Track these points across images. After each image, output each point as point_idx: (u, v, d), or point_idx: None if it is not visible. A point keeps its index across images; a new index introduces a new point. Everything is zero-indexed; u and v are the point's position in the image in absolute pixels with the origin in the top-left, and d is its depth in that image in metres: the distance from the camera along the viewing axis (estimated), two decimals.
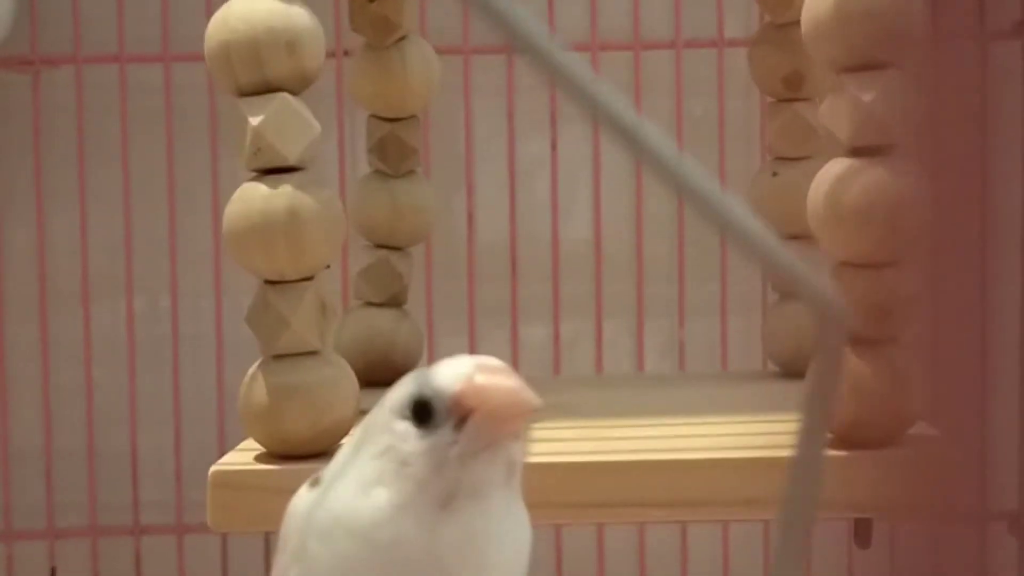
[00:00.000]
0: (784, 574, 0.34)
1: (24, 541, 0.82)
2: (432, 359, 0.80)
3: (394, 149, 0.69)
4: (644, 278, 0.82)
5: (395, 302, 0.70)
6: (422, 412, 0.35)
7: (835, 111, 0.48)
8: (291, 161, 0.50)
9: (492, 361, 0.35)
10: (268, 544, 0.83)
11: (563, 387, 0.70)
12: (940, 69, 0.46)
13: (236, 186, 0.82)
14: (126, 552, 0.82)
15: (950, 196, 0.45)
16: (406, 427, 0.35)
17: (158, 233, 0.82)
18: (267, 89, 0.50)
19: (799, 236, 0.65)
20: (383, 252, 0.70)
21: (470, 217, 0.82)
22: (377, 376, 0.67)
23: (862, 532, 0.55)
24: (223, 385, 0.81)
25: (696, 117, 0.83)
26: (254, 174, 0.51)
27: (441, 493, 0.34)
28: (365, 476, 0.35)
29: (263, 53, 0.49)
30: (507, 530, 0.36)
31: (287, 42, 0.49)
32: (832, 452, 0.48)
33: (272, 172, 0.50)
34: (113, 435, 0.82)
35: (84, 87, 0.80)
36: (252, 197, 0.50)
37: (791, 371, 0.68)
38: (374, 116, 0.69)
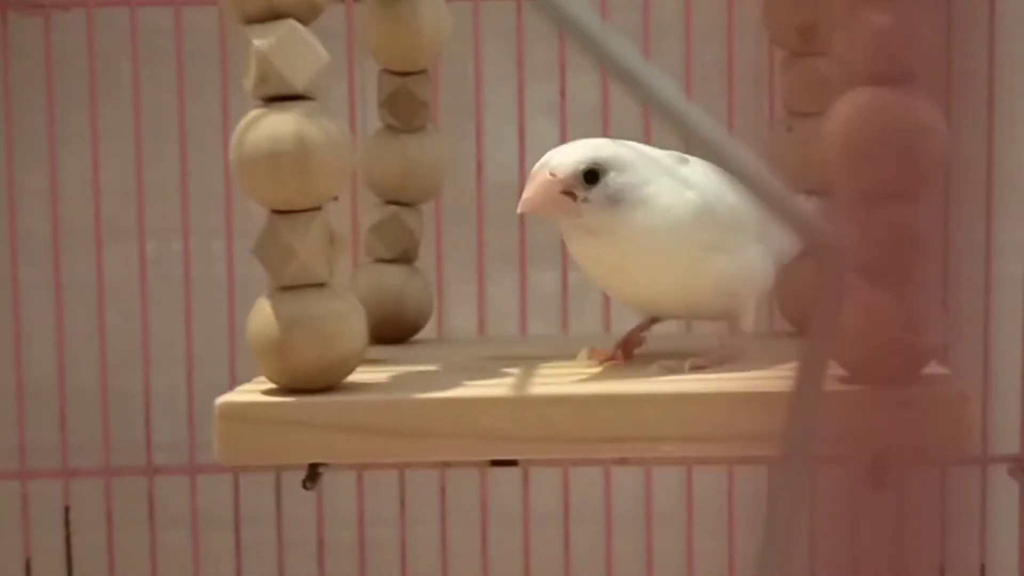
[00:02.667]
0: (781, 511, 0.34)
1: (38, 480, 0.83)
2: (441, 307, 0.81)
3: (405, 104, 0.69)
4: None
5: (406, 258, 0.70)
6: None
7: (851, 40, 0.47)
8: (298, 89, 0.50)
9: (561, 157, 0.54)
10: (279, 484, 0.84)
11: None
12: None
13: None
14: (139, 492, 0.83)
15: (961, 127, 0.45)
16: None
17: (170, 176, 0.83)
18: (274, 15, 0.49)
19: (814, 190, 0.66)
20: (394, 208, 0.70)
21: (479, 165, 0.83)
22: (388, 332, 0.68)
23: (876, 471, 0.56)
24: (235, 326, 0.82)
25: (706, 62, 0.83)
26: (261, 103, 0.50)
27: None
28: None
29: None
30: (605, 258, 0.55)
31: None
32: (846, 388, 0.48)
33: (279, 100, 0.50)
34: (126, 376, 0.83)
35: (95, 30, 0.81)
36: (259, 125, 0.49)
37: (804, 330, 0.68)
38: (385, 70, 0.69)
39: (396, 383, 0.52)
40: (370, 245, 0.70)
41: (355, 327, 0.51)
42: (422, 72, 0.69)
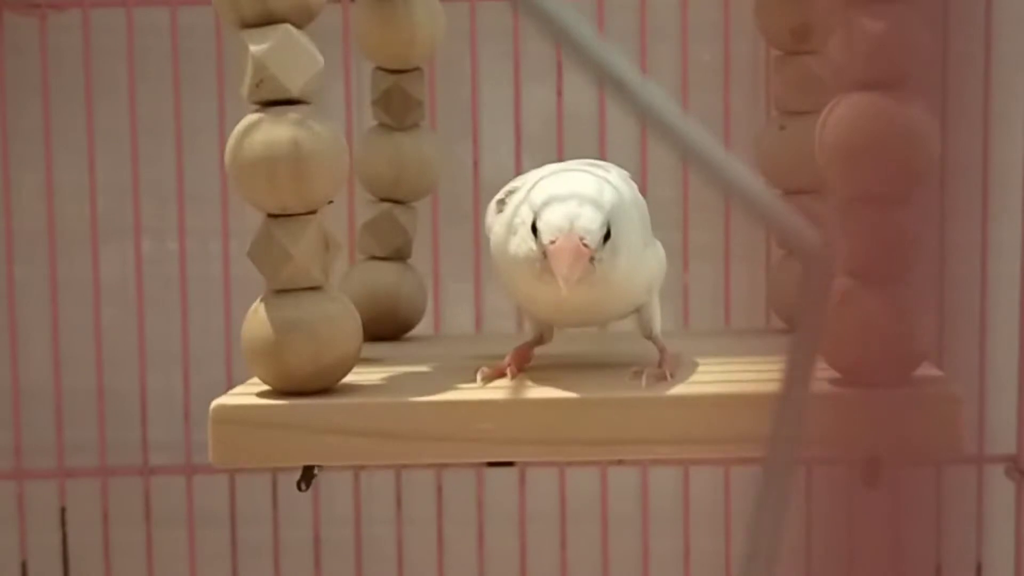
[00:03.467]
0: (766, 511, 0.34)
1: (34, 480, 0.83)
2: (438, 305, 0.81)
3: (399, 102, 0.69)
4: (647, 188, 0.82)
5: (399, 256, 0.70)
6: (534, 229, 0.51)
7: (844, 44, 0.48)
8: (294, 94, 0.50)
9: (582, 225, 0.50)
10: (275, 483, 0.84)
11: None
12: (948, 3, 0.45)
13: None
14: (135, 491, 0.83)
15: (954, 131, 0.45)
16: (527, 231, 0.51)
17: (166, 176, 0.83)
18: (270, 20, 0.49)
19: (806, 189, 0.66)
20: (387, 206, 0.70)
21: (476, 164, 0.83)
22: (382, 329, 0.68)
23: (870, 471, 0.56)
24: (231, 326, 0.82)
25: (703, 62, 0.83)
26: (257, 108, 0.51)
27: (538, 269, 0.51)
28: (513, 226, 0.52)
29: None
30: (587, 298, 0.51)
31: None
32: (838, 391, 0.48)
33: (275, 104, 0.50)
34: (122, 376, 0.83)
35: (91, 30, 0.80)
36: (255, 130, 0.50)
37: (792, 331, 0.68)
38: (379, 68, 0.69)
39: (390, 385, 0.52)
40: (364, 243, 0.70)
41: (350, 330, 0.51)
42: (416, 70, 0.69)
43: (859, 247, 0.48)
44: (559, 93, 0.82)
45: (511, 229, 0.52)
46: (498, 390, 0.51)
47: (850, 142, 0.47)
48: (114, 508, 0.83)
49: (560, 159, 0.81)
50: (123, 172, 0.82)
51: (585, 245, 0.49)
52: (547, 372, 0.55)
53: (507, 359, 0.55)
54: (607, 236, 0.50)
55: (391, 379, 0.54)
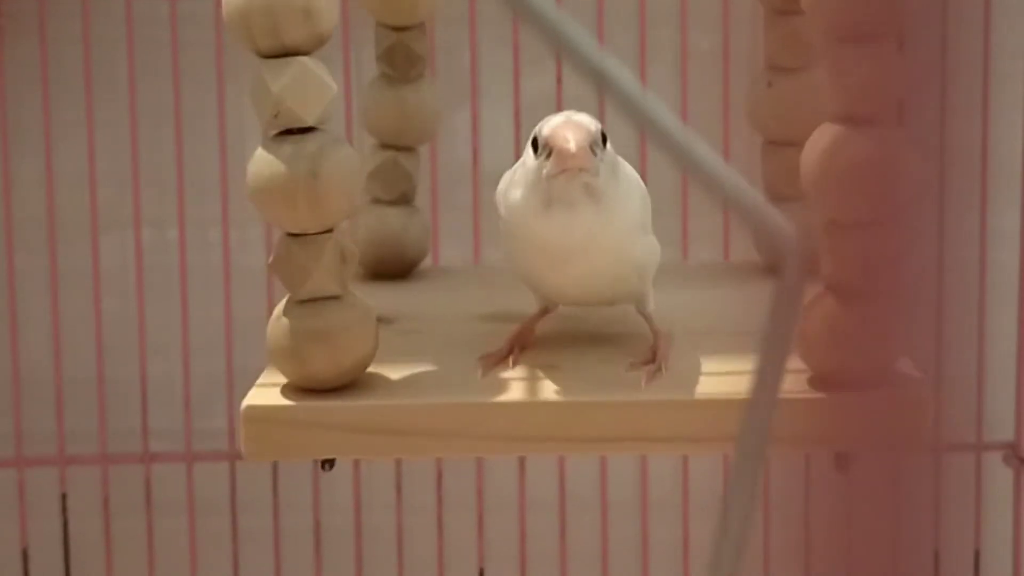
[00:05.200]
0: (737, 505, 0.35)
1: (35, 468, 0.83)
2: (437, 254, 0.81)
3: (402, 57, 0.70)
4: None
5: (404, 199, 0.72)
6: (535, 145, 0.53)
7: (829, 79, 0.50)
8: (310, 122, 0.52)
9: (578, 118, 0.52)
10: (276, 471, 0.84)
11: None
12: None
13: (242, 118, 0.84)
14: (136, 479, 0.83)
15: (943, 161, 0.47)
16: (529, 153, 0.53)
17: (166, 164, 0.83)
18: (284, 53, 0.51)
19: (793, 142, 0.67)
20: (392, 152, 0.72)
21: (475, 152, 0.83)
22: (389, 269, 0.72)
23: (842, 458, 0.57)
24: (230, 315, 0.82)
25: (702, 51, 0.83)
26: (274, 135, 0.53)
27: (541, 198, 0.53)
28: (514, 179, 0.55)
29: (280, 21, 0.51)
30: (591, 229, 0.53)
31: (303, 9, 0.51)
32: (812, 395, 0.51)
33: (291, 132, 0.52)
34: (122, 364, 0.84)
35: (91, 18, 0.80)
36: (273, 159, 0.52)
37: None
38: (381, 24, 0.70)
39: (404, 385, 0.56)
40: (370, 188, 0.72)
41: (366, 334, 0.54)
42: (419, 26, 0.70)
43: (834, 264, 0.51)
44: (559, 80, 0.82)
45: (514, 184, 0.55)
46: (503, 392, 0.54)
47: (828, 172, 0.50)
48: (115, 495, 0.83)
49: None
50: (123, 161, 0.82)
51: (586, 128, 0.51)
52: (546, 357, 0.57)
53: (507, 343, 0.57)
54: (604, 142, 0.52)
55: (406, 379, 0.56)
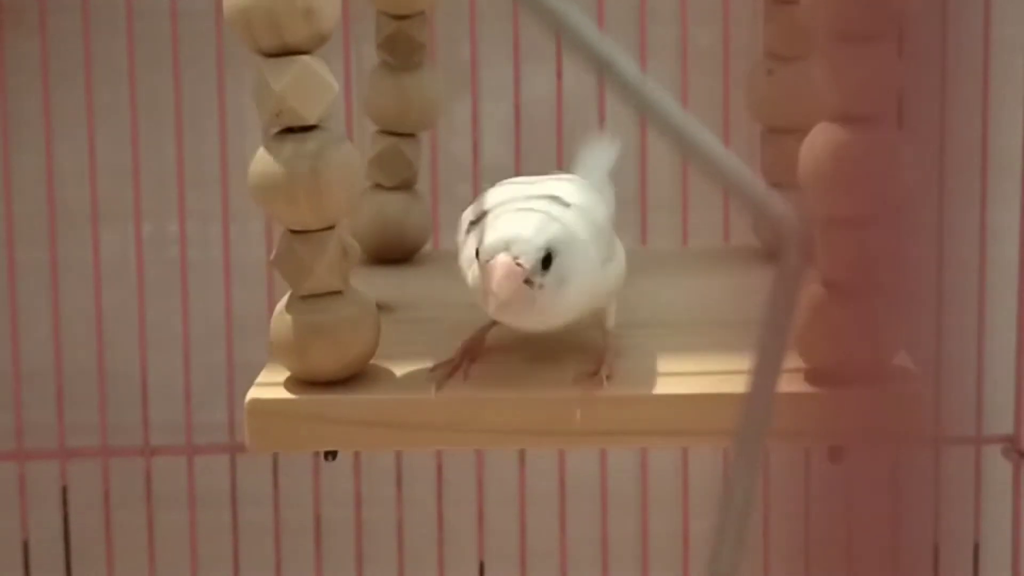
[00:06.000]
0: (736, 498, 0.35)
1: (36, 461, 0.83)
2: (437, 239, 0.81)
3: (403, 46, 0.70)
4: (647, 168, 0.82)
5: (406, 185, 0.73)
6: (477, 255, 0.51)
7: (826, 78, 0.51)
8: (311, 121, 0.52)
9: (517, 249, 0.50)
10: (276, 464, 0.84)
11: None
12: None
13: (243, 112, 0.84)
14: (137, 472, 0.83)
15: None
16: (471, 253, 0.53)
17: (166, 158, 0.83)
18: (286, 52, 0.52)
19: (792, 130, 0.67)
20: (393, 139, 0.72)
21: (475, 146, 0.83)
22: (390, 254, 0.72)
23: (836, 448, 0.57)
24: (231, 308, 0.82)
25: (702, 46, 0.83)
26: (275, 134, 0.53)
27: (483, 300, 0.51)
28: (466, 252, 0.54)
29: (281, 20, 0.51)
30: (539, 321, 0.53)
31: (304, 9, 0.51)
32: (810, 390, 0.52)
33: (293, 131, 0.53)
34: (123, 357, 0.84)
35: (91, 12, 0.80)
36: (275, 158, 0.53)
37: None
38: (382, 13, 0.70)
39: (407, 379, 0.56)
40: (372, 174, 0.72)
41: (368, 329, 0.55)
42: (419, 15, 0.70)
43: (831, 260, 0.51)
44: (559, 75, 0.82)
45: (466, 246, 0.55)
46: (503, 385, 0.55)
47: (826, 171, 0.50)
48: (115, 488, 0.83)
49: (559, 141, 0.82)
50: (123, 155, 0.82)
51: (518, 263, 0.50)
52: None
53: (457, 353, 0.56)
54: (548, 261, 0.50)
55: (408, 375, 0.56)
